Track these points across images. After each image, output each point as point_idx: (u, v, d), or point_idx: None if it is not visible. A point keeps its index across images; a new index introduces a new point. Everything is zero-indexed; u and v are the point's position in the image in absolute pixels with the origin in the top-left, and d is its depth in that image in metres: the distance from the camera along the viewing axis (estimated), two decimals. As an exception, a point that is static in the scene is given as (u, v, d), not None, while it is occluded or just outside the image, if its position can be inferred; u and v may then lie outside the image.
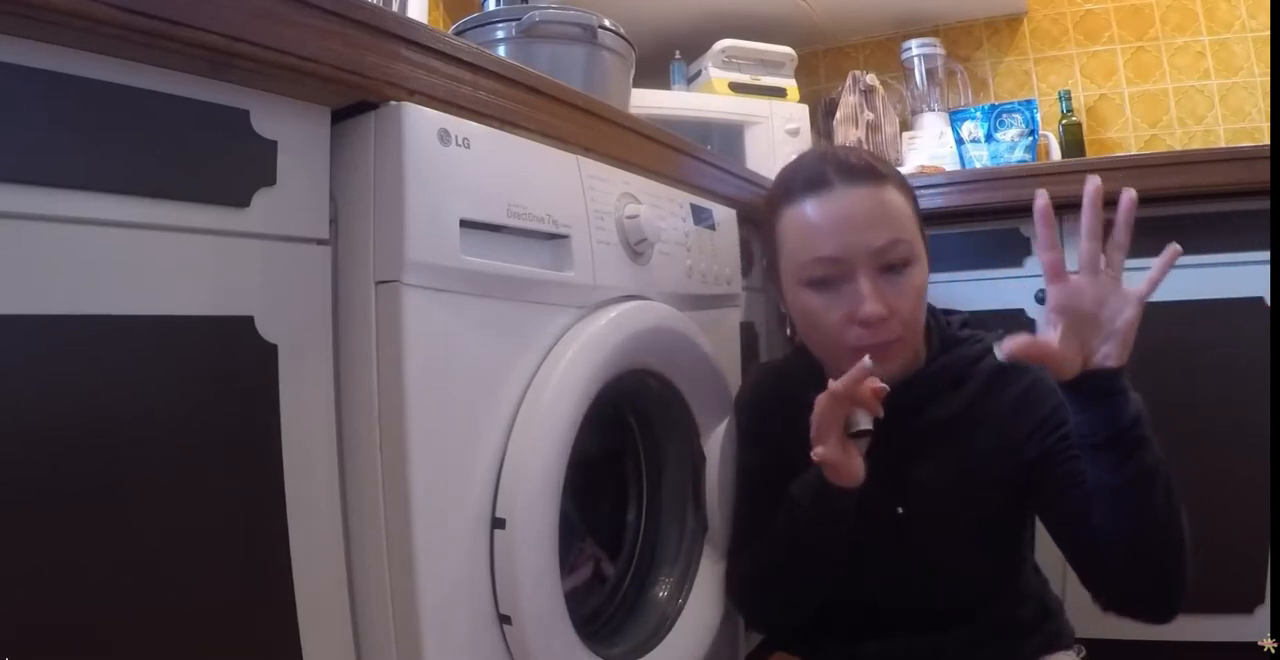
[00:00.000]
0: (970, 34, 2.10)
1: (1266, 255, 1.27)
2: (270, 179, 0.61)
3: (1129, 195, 0.73)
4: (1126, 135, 1.95)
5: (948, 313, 0.96)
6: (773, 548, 0.91)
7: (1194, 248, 1.33)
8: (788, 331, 0.97)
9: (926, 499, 0.86)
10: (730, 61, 1.80)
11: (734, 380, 1.08)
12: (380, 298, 0.65)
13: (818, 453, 0.79)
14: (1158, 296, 1.43)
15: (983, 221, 1.46)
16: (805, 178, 0.86)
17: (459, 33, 1.12)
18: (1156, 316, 1.34)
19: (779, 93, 1.80)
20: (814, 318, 0.85)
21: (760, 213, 0.95)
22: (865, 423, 0.79)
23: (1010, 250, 1.45)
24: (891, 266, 0.82)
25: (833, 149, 0.93)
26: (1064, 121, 1.87)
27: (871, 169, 0.85)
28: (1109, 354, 0.73)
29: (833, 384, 0.78)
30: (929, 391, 0.87)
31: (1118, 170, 1.34)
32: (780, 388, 0.99)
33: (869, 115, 1.85)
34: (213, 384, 0.57)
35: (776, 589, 0.92)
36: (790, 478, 0.89)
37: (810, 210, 0.84)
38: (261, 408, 0.60)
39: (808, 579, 0.89)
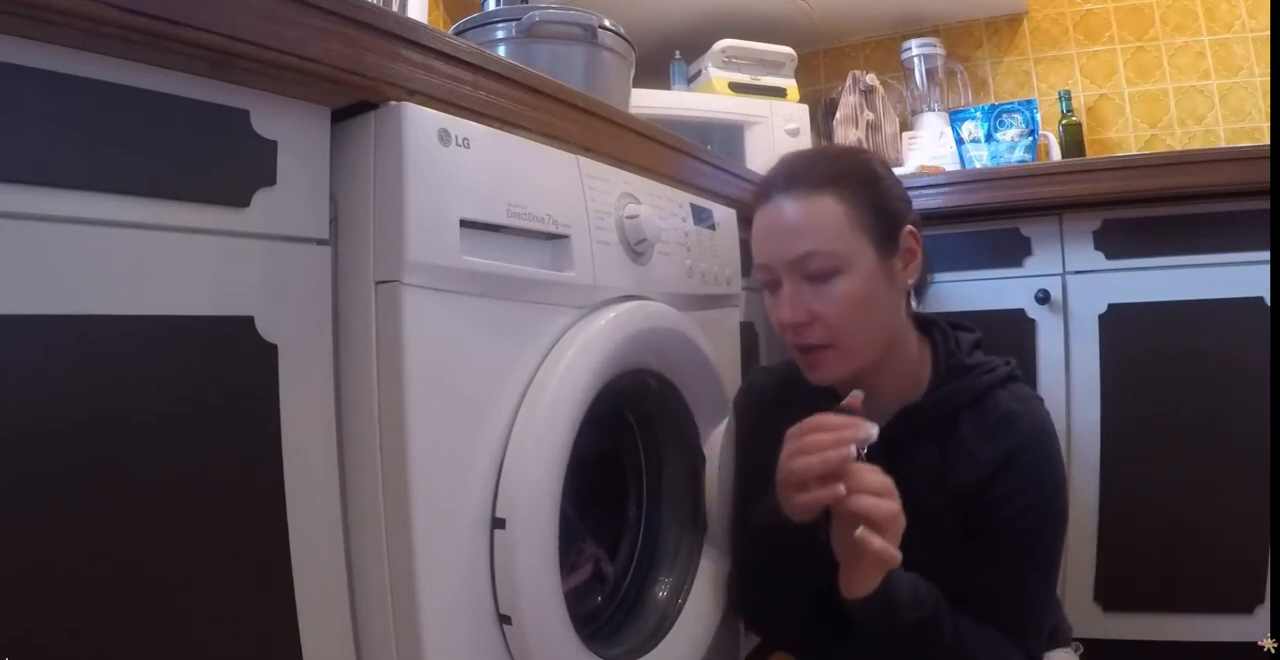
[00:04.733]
0: (970, 34, 2.10)
1: (1266, 255, 1.27)
2: (270, 179, 0.61)
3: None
4: (1126, 135, 1.95)
5: (957, 327, 0.94)
6: (752, 557, 0.91)
7: (1194, 248, 1.34)
8: None
9: (923, 524, 0.85)
10: (730, 61, 1.80)
11: (734, 380, 1.08)
12: (380, 298, 0.65)
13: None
14: (1158, 296, 1.44)
15: (983, 221, 1.46)
16: (760, 185, 0.91)
17: (459, 33, 1.12)
18: (1157, 317, 1.36)
19: (779, 93, 1.80)
20: (770, 319, 0.90)
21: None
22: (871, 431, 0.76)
23: (1010, 250, 1.45)
24: (815, 276, 0.83)
25: (794, 154, 0.93)
26: (1064, 121, 1.86)
27: (811, 177, 0.85)
28: None
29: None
30: (924, 424, 0.86)
31: (1118, 170, 1.34)
32: (778, 388, 0.99)
33: (869, 115, 1.85)
34: (213, 384, 0.57)
35: (762, 594, 0.92)
36: None
37: (757, 219, 0.89)
38: (261, 408, 0.60)
39: (789, 592, 0.88)
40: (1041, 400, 0.89)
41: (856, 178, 0.86)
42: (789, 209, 0.85)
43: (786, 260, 0.84)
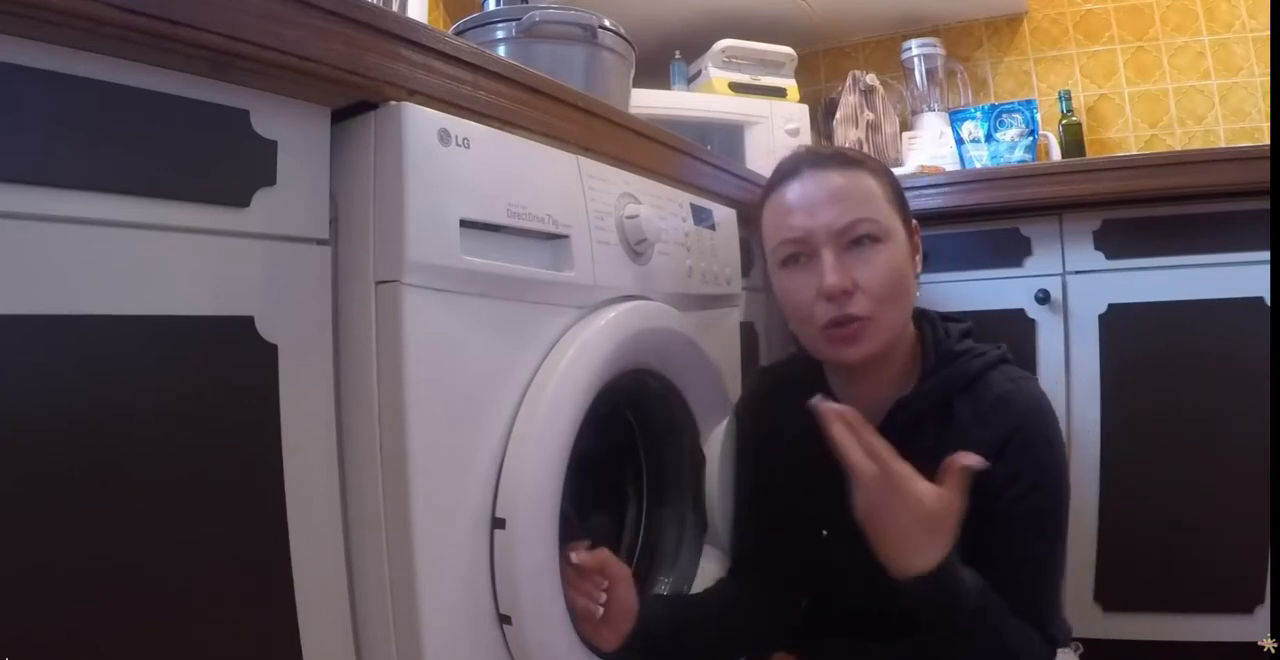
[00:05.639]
0: (970, 34, 2.10)
1: (1266, 255, 1.27)
2: (270, 179, 0.61)
3: None
4: (1126, 135, 1.95)
5: (947, 318, 0.94)
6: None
7: (1194, 248, 1.34)
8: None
9: None
10: (730, 61, 1.80)
11: (734, 380, 1.08)
12: (380, 298, 0.65)
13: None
14: (1158, 296, 1.44)
15: (983, 221, 1.46)
16: (780, 171, 0.90)
17: (459, 33, 1.12)
18: (1157, 317, 1.36)
19: (779, 93, 1.80)
20: (788, 298, 0.88)
21: (753, 214, 0.96)
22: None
23: (1010, 250, 1.45)
24: (858, 242, 0.83)
25: (812, 145, 0.94)
26: (1064, 121, 1.87)
27: (841, 156, 0.89)
28: None
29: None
30: (919, 414, 0.86)
31: (1118, 170, 1.34)
32: (781, 389, 0.99)
33: (869, 115, 1.85)
34: (213, 384, 0.57)
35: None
36: (789, 487, 0.88)
37: (780, 197, 0.88)
38: (261, 408, 0.60)
39: None
40: (1035, 379, 0.89)
41: (878, 164, 0.91)
42: (834, 179, 0.85)
43: (834, 228, 0.83)
